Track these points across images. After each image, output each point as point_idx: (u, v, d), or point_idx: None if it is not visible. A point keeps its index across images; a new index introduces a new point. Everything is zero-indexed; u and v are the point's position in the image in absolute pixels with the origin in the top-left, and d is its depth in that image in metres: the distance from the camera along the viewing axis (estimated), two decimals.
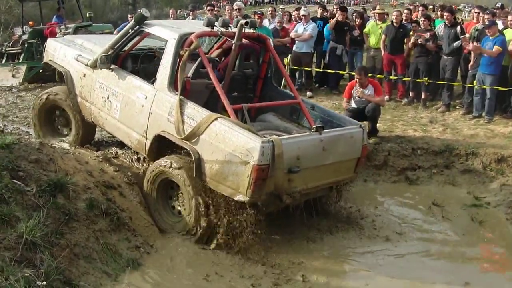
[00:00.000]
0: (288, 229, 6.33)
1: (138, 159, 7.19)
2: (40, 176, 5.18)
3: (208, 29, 6.44)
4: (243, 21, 6.33)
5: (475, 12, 11.26)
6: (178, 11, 29.65)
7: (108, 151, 7.49)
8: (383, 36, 11.39)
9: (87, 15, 16.71)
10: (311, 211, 6.43)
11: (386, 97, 11.44)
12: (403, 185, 8.11)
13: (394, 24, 11.24)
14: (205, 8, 12.68)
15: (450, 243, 6.51)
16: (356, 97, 8.73)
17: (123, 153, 7.41)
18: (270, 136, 5.66)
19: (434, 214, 7.16)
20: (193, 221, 5.79)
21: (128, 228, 5.56)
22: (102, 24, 18.60)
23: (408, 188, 8.02)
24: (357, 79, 8.73)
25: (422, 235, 6.65)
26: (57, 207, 4.95)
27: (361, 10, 17.42)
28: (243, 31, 6.39)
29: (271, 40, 7.41)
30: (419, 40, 10.56)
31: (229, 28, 6.54)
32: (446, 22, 10.53)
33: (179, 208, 6.12)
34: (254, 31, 6.81)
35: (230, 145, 5.43)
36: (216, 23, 6.45)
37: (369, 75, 11.97)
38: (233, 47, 6.52)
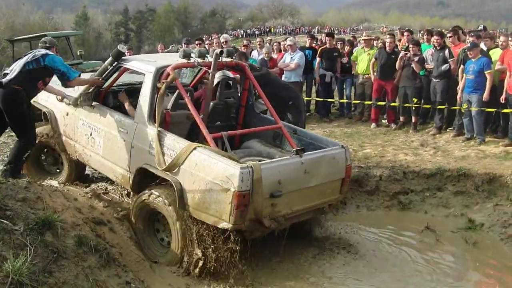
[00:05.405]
0: (276, 255, 6.29)
1: (128, 194, 7.15)
2: (28, 215, 5.10)
3: (184, 60, 6.49)
4: (218, 50, 6.41)
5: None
6: (171, 46, 29.81)
7: (98, 187, 7.47)
8: (373, 60, 11.46)
9: (78, 53, 16.82)
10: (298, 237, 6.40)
11: (373, 124, 11.51)
12: (396, 209, 8.05)
13: (387, 49, 11.31)
14: (195, 42, 12.79)
15: (443, 267, 6.39)
16: None
17: (113, 189, 7.41)
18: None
19: (428, 238, 7.07)
20: (180, 251, 5.76)
21: (118, 264, 5.45)
22: (92, 61, 18.74)
23: (401, 213, 7.96)
24: None
25: (415, 260, 6.53)
26: (45, 245, 4.86)
27: (351, 38, 17.62)
28: (219, 60, 6.46)
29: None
30: (407, 55, 10.64)
31: (206, 58, 6.59)
32: (436, 45, 10.54)
33: (166, 238, 6.09)
34: (232, 59, 6.90)
35: (210, 174, 5.41)
36: (192, 54, 6.51)
37: (358, 102, 12.15)
38: (210, 76, 6.56)
